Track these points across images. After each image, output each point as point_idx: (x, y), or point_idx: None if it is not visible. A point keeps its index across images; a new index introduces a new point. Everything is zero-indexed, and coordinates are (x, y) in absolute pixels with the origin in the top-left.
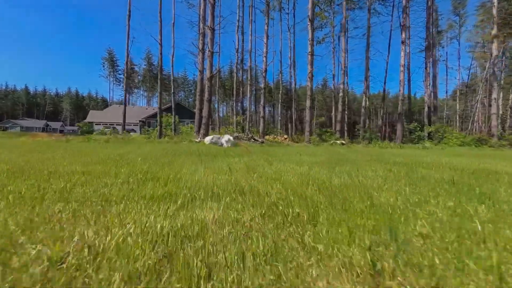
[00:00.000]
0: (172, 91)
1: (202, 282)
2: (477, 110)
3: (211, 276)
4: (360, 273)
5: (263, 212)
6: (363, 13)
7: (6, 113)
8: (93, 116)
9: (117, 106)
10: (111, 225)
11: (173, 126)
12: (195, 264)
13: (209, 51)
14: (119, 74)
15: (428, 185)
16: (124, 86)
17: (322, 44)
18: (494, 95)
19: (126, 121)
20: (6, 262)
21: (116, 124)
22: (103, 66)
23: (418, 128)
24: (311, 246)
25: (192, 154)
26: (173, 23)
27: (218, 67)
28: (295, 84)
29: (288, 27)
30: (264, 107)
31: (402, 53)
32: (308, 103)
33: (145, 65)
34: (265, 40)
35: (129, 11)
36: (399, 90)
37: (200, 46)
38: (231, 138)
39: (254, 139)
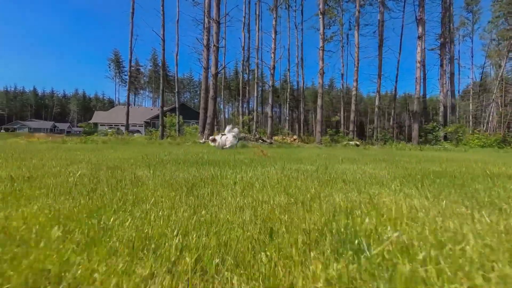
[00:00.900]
0: (176, 90)
1: None
2: (492, 109)
3: None
4: None
5: None
6: (374, 10)
7: (15, 114)
8: (98, 117)
9: (122, 107)
10: None
11: (176, 127)
12: None
13: (214, 45)
14: (125, 75)
15: None
16: (128, 85)
17: (330, 43)
18: None
19: (132, 122)
20: None
21: (121, 125)
22: (109, 67)
23: (437, 129)
24: None
25: (186, 162)
26: (177, 20)
27: (224, 64)
28: (303, 83)
29: (296, 25)
30: (272, 106)
31: (419, 49)
32: (319, 101)
33: (150, 66)
34: (273, 35)
35: (133, 8)
36: (415, 88)
37: (205, 42)
38: (236, 135)
39: (262, 139)
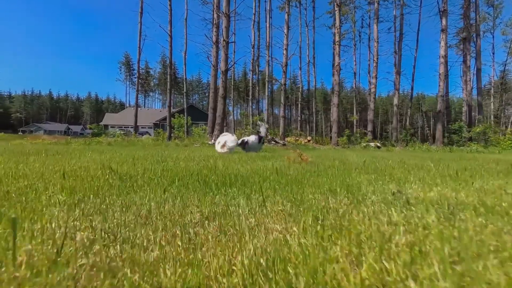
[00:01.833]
0: (185, 90)
1: None
2: None
3: None
4: None
5: None
6: (390, 5)
7: (32, 117)
8: (108, 119)
9: (132, 109)
10: None
11: (185, 128)
12: None
13: (224, 40)
14: (135, 77)
15: None
16: (136, 86)
17: (343, 41)
18: None
19: (141, 124)
20: None
21: (131, 127)
22: (120, 70)
23: (464, 129)
24: None
25: (185, 177)
26: (186, 18)
27: (234, 61)
28: (315, 83)
29: (306, 23)
30: (284, 106)
31: (442, 43)
32: (335, 100)
33: (160, 68)
34: (285, 31)
35: (141, 8)
36: (438, 85)
37: (214, 39)
38: (254, 138)
39: (274, 141)
